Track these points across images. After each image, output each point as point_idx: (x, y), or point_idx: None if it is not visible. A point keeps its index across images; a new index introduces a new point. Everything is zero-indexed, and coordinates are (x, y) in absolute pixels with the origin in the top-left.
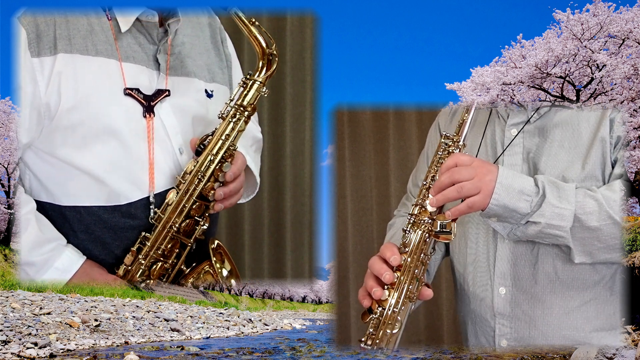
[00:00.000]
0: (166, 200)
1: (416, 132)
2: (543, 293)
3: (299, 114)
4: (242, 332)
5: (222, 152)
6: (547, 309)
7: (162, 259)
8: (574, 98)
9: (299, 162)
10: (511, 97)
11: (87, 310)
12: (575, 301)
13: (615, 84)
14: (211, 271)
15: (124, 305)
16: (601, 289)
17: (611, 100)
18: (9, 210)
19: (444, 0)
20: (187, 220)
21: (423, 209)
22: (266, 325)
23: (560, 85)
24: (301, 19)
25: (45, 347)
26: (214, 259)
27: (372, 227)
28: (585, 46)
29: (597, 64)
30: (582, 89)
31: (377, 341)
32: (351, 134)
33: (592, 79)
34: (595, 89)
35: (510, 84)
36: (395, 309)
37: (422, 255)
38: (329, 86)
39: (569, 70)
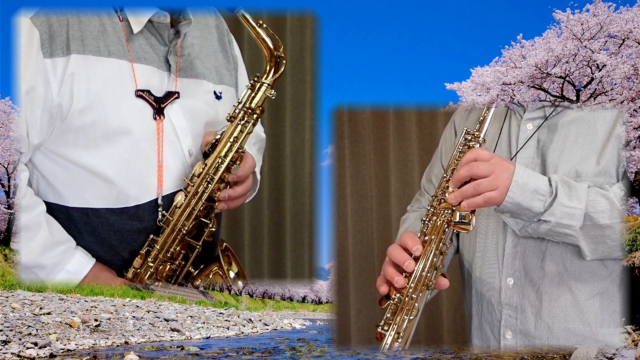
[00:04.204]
0: (174, 203)
1: (416, 132)
2: (551, 285)
3: (299, 114)
4: (242, 332)
5: (230, 155)
6: (553, 301)
7: (170, 261)
8: (574, 98)
9: (299, 162)
10: (511, 97)
11: (87, 310)
12: (583, 294)
13: (615, 84)
14: (220, 273)
15: (124, 305)
16: (609, 284)
17: (611, 100)
18: (9, 210)
19: (444, 0)
20: (195, 223)
21: (443, 200)
22: (266, 325)
23: (560, 85)
24: (301, 19)
25: (45, 347)
26: (222, 260)
27: (372, 227)
28: (585, 46)
29: (597, 64)
30: (582, 89)
31: (395, 326)
32: (351, 134)
33: (592, 79)
34: (595, 89)
35: (510, 84)
36: (413, 295)
37: (440, 244)
38: (329, 86)
39: (569, 70)
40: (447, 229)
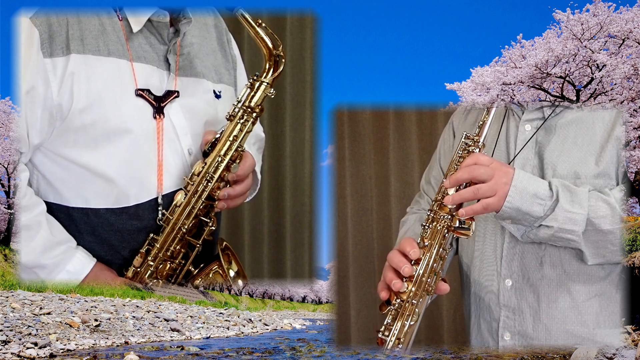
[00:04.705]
0: (174, 202)
1: (416, 132)
2: (549, 286)
3: (299, 114)
4: (242, 332)
5: (230, 154)
6: (552, 302)
7: (170, 260)
8: (574, 98)
9: (299, 162)
10: (511, 97)
11: (87, 310)
12: (581, 295)
13: (615, 84)
14: (220, 271)
15: (124, 305)
16: (607, 285)
17: (611, 100)
18: (9, 210)
19: (444, 0)
20: (195, 221)
21: (442, 205)
22: (266, 325)
23: (560, 85)
24: (301, 19)
25: (45, 347)
26: (222, 259)
27: (372, 227)
28: (585, 46)
29: (597, 64)
30: (582, 89)
31: (396, 332)
32: (351, 134)
33: (592, 79)
34: (595, 89)
35: (510, 84)
36: (413, 301)
37: (440, 249)
38: (329, 86)
39: (569, 70)
40: (447, 235)
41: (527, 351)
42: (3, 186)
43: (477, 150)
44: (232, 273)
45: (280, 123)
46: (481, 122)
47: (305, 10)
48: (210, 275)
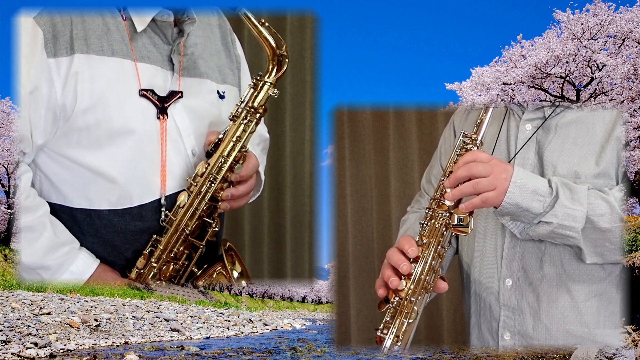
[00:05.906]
0: (177, 203)
1: (416, 132)
2: (549, 286)
3: (299, 114)
4: (242, 332)
5: (233, 154)
6: (552, 302)
7: (174, 261)
8: (574, 98)
9: (299, 162)
10: (511, 97)
11: (87, 310)
12: (581, 295)
13: (615, 84)
14: (224, 272)
15: (124, 305)
16: (607, 285)
17: (611, 100)
18: (9, 210)
19: (444, 0)
20: (198, 223)
21: (441, 203)
22: (266, 325)
23: (560, 85)
24: (301, 19)
25: (45, 347)
26: (226, 260)
27: (372, 227)
28: (585, 46)
29: (597, 64)
30: (582, 89)
31: (394, 330)
32: (351, 134)
33: (592, 79)
34: (595, 89)
35: (510, 84)
36: (412, 299)
37: (439, 247)
38: (329, 86)
39: (569, 70)
40: (445, 232)
41: (527, 351)
42: (3, 186)
43: (475, 148)
44: (235, 274)
45: (280, 123)
46: (479, 121)
47: (305, 10)
48: (214, 277)
